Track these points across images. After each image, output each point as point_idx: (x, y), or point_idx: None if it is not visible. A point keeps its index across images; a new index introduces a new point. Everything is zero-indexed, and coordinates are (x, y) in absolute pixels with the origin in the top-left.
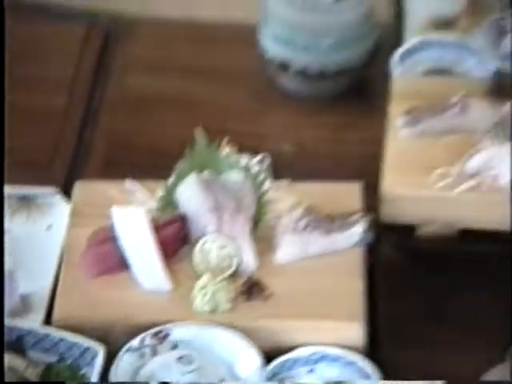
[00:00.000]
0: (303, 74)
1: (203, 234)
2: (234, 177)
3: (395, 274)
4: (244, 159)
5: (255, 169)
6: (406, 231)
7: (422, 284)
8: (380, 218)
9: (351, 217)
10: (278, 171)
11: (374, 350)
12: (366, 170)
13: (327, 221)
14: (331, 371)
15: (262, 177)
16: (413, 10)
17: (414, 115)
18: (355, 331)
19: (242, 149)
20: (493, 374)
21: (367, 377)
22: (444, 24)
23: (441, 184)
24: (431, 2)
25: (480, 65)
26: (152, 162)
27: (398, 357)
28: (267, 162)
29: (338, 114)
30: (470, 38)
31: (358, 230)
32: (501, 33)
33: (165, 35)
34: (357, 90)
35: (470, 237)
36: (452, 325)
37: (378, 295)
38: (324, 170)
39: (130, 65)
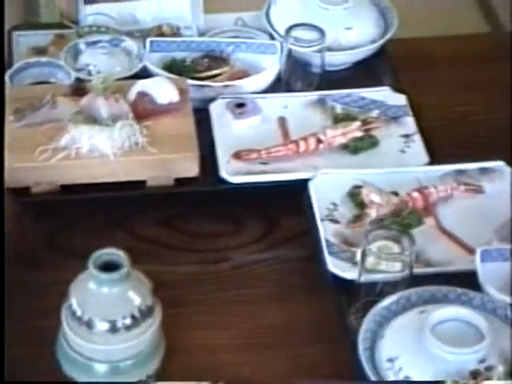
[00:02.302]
0: None
1: None
2: None
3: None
4: None
5: None
6: (23, 191)
7: (36, 226)
8: (6, 185)
9: None
10: None
11: None
12: None
13: None
14: None
15: None
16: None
17: (20, 112)
18: None
19: None
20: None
21: None
22: (40, 51)
23: (42, 157)
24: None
25: (65, 75)
26: None
27: None
28: None
29: None
30: (57, 58)
31: None
32: (75, 52)
33: None
34: None
35: (68, 189)
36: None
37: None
38: None
39: None
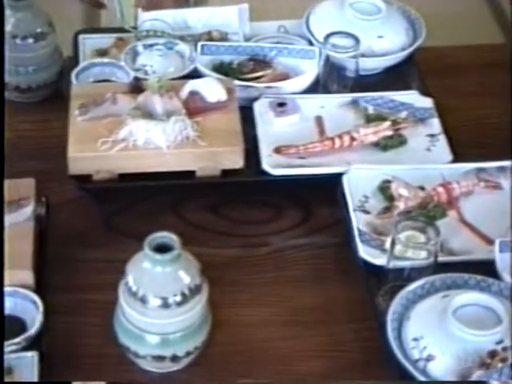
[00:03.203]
0: (18, 89)
1: None
2: None
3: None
4: None
5: None
6: (85, 178)
7: (96, 209)
8: (69, 172)
9: (23, 201)
10: None
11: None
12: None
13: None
14: None
15: None
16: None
17: (85, 107)
18: (26, 275)
19: None
20: None
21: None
22: (102, 53)
23: (103, 148)
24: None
25: (125, 74)
26: None
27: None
28: None
29: (47, 111)
30: (117, 59)
31: (28, 209)
32: (134, 54)
33: None
34: (55, 95)
35: (125, 177)
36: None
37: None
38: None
39: None
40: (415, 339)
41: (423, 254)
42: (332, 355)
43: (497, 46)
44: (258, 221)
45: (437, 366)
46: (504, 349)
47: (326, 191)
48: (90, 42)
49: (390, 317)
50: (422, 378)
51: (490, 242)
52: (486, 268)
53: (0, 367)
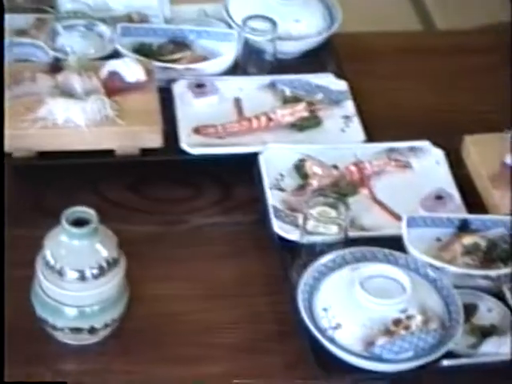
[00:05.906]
0: None
1: None
2: None
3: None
4: None
5: None
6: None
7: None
8: None
9: None
10: None
11: None
12: None
13: None
14: None
15: None
16: None
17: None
18: None
19: None
20: None
21: None
22: (22, 33)
23: (22, 126)
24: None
25: (45, 55)
26: None
27: None
28: None
29: None
30: (37, 39)
31: None
32: (53, 34)
33: None
34: None
35: (45, 155)
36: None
37: None
38: None
39: None
40: (325, 309)
41: (334, 228)
42: (248, 327)
43: (412, 33)
44: (177, 199)
45: (344, 334)
46: (408, 317)
47: (243, 170)
48: (8, 23)
49: (301, 288)
50: (330, 346)
51: (399, 218)
52: (395, 243)
53: (0, 366)
